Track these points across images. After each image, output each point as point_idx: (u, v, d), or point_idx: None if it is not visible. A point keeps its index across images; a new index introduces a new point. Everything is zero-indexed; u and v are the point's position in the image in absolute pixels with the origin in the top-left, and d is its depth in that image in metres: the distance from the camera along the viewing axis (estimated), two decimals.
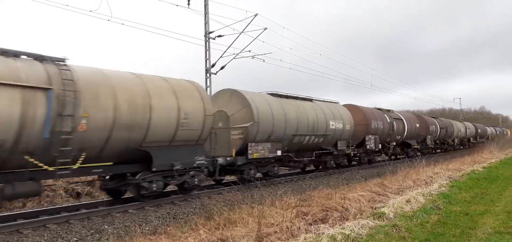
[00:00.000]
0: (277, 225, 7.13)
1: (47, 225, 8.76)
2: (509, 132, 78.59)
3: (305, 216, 7.88)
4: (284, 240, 6.47)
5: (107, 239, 8.30)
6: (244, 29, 19.97)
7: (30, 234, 8.18)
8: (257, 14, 19.82)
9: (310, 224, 7.50)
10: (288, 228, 6.99)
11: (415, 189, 12.02)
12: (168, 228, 8.30)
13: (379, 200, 10.29)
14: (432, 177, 14.79)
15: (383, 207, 9.12)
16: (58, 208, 10.43)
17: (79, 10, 28.71)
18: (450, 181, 14.19)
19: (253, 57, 20.93)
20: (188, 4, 19.26)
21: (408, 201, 9.88)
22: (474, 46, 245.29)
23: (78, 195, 13.72)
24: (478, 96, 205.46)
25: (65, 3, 14.79)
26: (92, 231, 8.70)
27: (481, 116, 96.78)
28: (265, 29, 20.30)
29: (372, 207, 9.23)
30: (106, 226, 9.03)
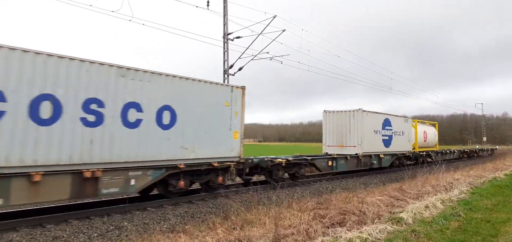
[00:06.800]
0: (294, 227, 7.13)
1: (68, 220, 8.99)
2: None
3: (322, 219, 7.85)
4: None
5: (126, 235, 8.44)
6: (263, 30, 19.99)
7: (53, 228, 8.41)
8: (275, 16, 19.81)
9: (328, 227, 7.47)
10: (305, 230, 6.98)
11: (434, 195, 11.84)
12: (186, 227, 8.39)
13: (398, 205, 10.16)
14: (452, 183, 14.52)
15: (401, 212, 9.01)
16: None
17: (101, 11, 29.11)
18: (471, 188, 13.90)
19: (271, 58, 20.96)
20: (208, 5, 19.41)
21: (427, 206, 9.75)
22: None
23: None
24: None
25: (89, 3, 15.12)
26: (112, 227, 8.87)
27: (503, 123, 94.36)
28: (284, 30, 20.29)
29: (390, 212, 9.13)
30: (126, 223, 9.20)
